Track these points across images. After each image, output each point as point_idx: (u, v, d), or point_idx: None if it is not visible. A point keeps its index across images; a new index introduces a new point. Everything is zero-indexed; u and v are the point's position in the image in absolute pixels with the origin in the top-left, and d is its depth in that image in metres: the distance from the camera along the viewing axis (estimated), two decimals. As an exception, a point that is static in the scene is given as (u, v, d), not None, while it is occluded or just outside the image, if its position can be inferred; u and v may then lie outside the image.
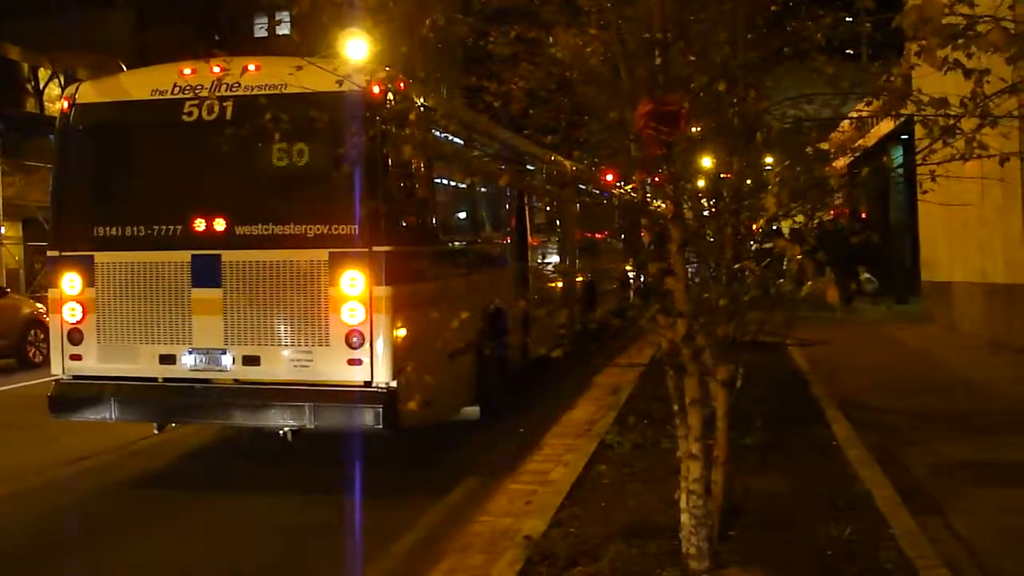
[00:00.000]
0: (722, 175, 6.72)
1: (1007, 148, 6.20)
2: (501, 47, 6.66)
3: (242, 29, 49.99)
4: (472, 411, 11.53)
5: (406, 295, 9.46)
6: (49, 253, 10.37)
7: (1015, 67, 4.96)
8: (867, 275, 25.33)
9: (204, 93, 9.61)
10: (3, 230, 32.50)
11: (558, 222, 17.98)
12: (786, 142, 6.59)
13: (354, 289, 9.19)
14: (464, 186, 12.70)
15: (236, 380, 9.64)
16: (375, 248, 9.19)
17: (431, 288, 10.25)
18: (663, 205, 6.33)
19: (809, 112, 6.76)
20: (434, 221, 10.97)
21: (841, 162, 12.53)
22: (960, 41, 4.77)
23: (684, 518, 6.42)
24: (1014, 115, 5.96)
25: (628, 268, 20.19)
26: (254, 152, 9.42)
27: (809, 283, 5.29)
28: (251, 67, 9.42)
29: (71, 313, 9.98)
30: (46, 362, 12.08)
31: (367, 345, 9.19)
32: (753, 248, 6.83)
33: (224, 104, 9.57)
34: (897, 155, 26.13)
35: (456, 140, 11.30)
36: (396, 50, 6.54)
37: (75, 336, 9.99)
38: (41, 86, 42.12)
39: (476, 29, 6.77)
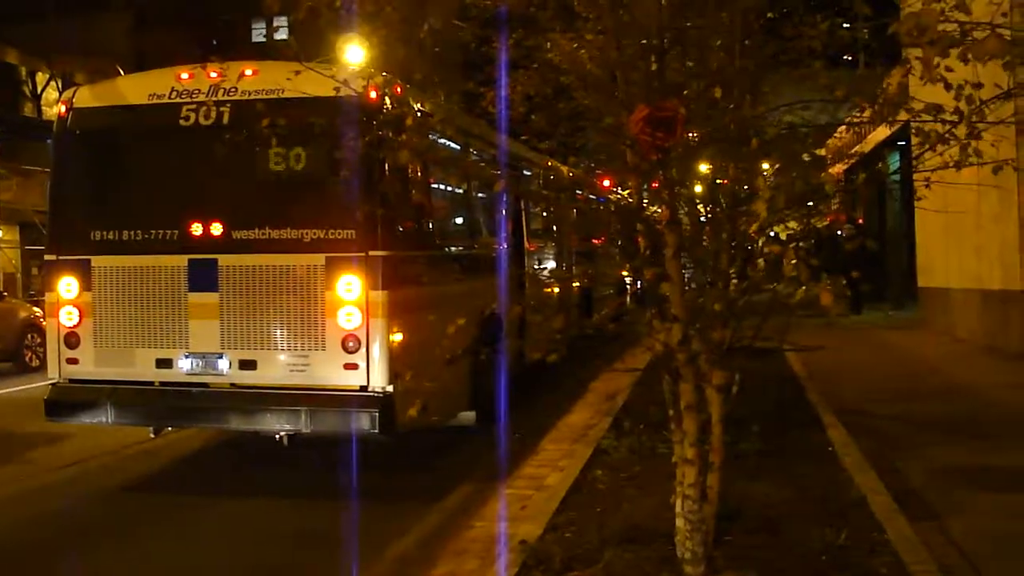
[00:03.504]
0: (718, 181, 6.74)
1: (1001, 155, 6.21)
2: (501, 54, 6.67)
3: (240, 34, 49.97)
4: (468, 416, 11.54)
5: (402, 300, 9.47)
6: (46, 257, 10.38)
7: (1011, 73, 4.99)
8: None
9: (201, 98, 9.64)
10: (0, 234, 32.49)
11: (555, 227, 17.98)
12: (782, 148, 6.61)
13: (351, 294, 9.21)
14: (461, 191, 12.72)
15: (233, 384, 9.66)
16: (372, 253, 9.20)
17: (427, 293, 10.26)
18: (659, 210, 6.35)
19: (806, 118, 6.78)
20: (431, 226, 10.98)
21: (838, 168, 12.55)
22: (956, 49, 4.78)
23: (679, 523, 6.43)
24: (1008, 122, 5.98)
25: (624, 273, 20.21)
26: (251, 157, 9.44)
27: (803, 288, 5.30)
28: (248, 72, 9.45)
29: (68, 317, 9.99)
30: (43, 366, 12.11)
31: (363, 349, 9.20)
32: (749, 250, 6.83)
33: (221, 109, 9.58)
34: (894, 161, 26.18)
35: (453, 145, 11.31)
36: (394, 55, 6.56)
37: (72, 340, 10.00)
38: (39, 90, 42.08)
39: (475, 35, 6.78)
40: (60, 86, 39.25)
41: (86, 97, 10.36)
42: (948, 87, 5.19)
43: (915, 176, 6.43)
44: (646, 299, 6.52)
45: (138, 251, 9.82)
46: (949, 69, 5.06)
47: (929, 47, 4.67)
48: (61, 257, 10.12)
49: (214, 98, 9.55)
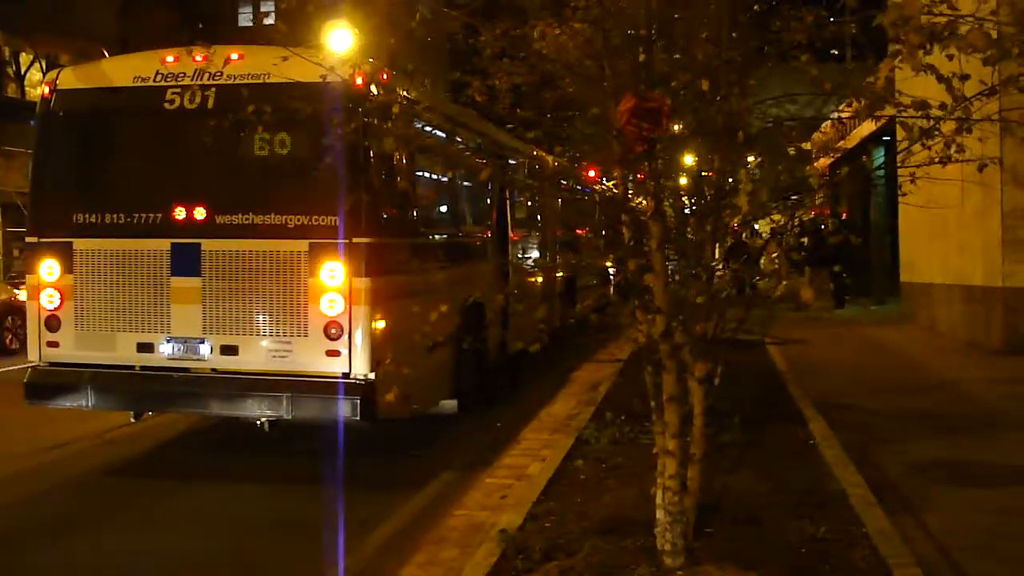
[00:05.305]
0: (704, 173, 6.74)
1: (986, 152, 6.22)
2: (489, 44, 6.64)
3: (227, 18, 49.76)
4: (450, 404, 11.53)
5: (385, 287, 9.45)
6: (28, 239, 10.32)
7: (995, 69, 4.99)
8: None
9: (186, 81, 9.59)
10: (-18, 216, 32.33)
11: (539, 217, 17.97)
12: (768, 141, 6.60)
13: (334, 280, 9.18)
14: (446, 179, 12.69)
15: (214, 369, 9.63)
16: (355, 239, 9.18)
17: (410, 281, 10.24)
18: (644, 201, 6.34)
19: (792, 112, 6.77)
20: (415, 214, 10.96)
21: (823, 162, 12.58)
22: (938, 44, 4.78)
23: (660, 514, 6.43)
24: (993, 119, 5.98)
25: (608, 264, 20.24)
26: (235, 141, 9.38)
27: (784, 282, 5.31)
28: (234, 56, 9.40)
29: (49, 300, 9.93)
30: (23, 348, 12.03)
31: (346, 336, 9.19)
32: (729, 244, 6.84)
33: (206, 93, 9.54)
34: (878, 156, 26.22)
35: (439, 133, 11.28)
36: (382, 42, 6.52)
37: (52, 323, 9.94)
38: (22, 71, 41.85)
39: (465, 24, 6.75)
40: (44, 67, 39.02)
41: (70, 79, 10.28)
42: (940, 79, 5.19)
43: (899, 171, 6.44)
44: (629, 290, 6.51)
45: (120, 234, 9.77)
46: (931, 65, 5.06)
47: (912, 36, 4.68)
48: (43, 239, 10.06)
49: (199, 82, 9.51)
